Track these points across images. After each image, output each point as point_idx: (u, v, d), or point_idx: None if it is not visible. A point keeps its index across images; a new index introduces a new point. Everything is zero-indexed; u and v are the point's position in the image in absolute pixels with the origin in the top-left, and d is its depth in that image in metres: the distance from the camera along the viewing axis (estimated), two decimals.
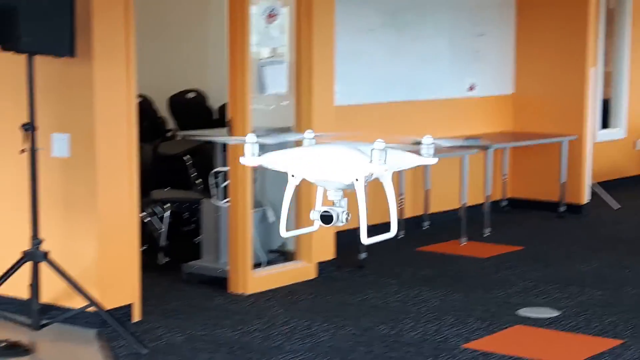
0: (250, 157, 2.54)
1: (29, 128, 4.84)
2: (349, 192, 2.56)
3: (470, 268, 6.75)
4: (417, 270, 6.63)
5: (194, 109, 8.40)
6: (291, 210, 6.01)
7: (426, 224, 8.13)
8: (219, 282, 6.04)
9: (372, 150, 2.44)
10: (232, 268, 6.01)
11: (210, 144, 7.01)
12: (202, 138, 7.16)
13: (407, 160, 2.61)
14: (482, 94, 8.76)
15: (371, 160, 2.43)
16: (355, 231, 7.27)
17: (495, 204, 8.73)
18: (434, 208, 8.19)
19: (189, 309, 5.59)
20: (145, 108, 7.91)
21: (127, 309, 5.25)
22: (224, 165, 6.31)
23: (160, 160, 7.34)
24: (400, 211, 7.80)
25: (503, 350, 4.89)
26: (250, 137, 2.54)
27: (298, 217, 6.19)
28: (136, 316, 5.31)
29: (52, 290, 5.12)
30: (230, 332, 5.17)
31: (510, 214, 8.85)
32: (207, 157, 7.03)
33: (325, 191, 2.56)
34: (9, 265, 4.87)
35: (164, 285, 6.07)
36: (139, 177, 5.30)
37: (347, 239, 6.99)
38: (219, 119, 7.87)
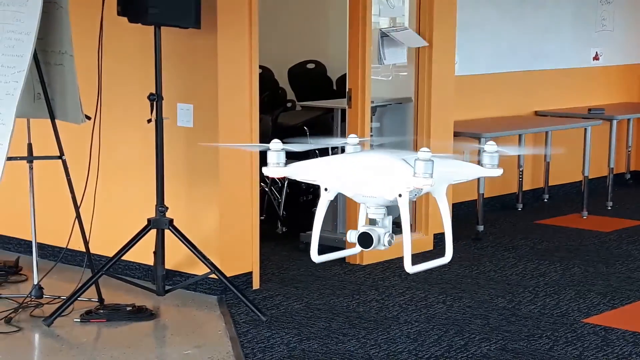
0: (273, 168, 2.16)
1: (155, 98, 4.98)
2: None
3: (591, 242, 6.62)
4: (535, 243, 6.55)
5: (313, 80, 8.45)
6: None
7: (546, 197, 7.99)
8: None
9: (415, 160, 2.02)
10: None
11: (330, 115, 7.05)
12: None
13: (465, 172, 2.21)
14: (607, 64, 8.52)
15: (415, 173, 2.03)
16: (474, 203, 7.22)
17: (618, 177, 8.51)
18: (555, 181, 8.04)
19: (306, 277, 5.68)
20: (266, 79, 8.01)
21: (246, 277, 5.37)
22: (343, 136, 6.35)
23: (280, 131, 7.42)
24: (519, 183, 7.69)
25: (625, 326, 4.80)
26: (275, 145, 2.16)
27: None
28: (255, 284, 5.42)
29: (176, 257, 5.28)
30: (346, 301, 5.23)
31: (634, 187, 8.62)
32: (326, 127, 7.08)
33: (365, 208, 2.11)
34: (135, 232, 5.03)
35: (282, 254, 6.18)
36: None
37: (464, 210, 6.95)
38: (338, 90, 7.90)
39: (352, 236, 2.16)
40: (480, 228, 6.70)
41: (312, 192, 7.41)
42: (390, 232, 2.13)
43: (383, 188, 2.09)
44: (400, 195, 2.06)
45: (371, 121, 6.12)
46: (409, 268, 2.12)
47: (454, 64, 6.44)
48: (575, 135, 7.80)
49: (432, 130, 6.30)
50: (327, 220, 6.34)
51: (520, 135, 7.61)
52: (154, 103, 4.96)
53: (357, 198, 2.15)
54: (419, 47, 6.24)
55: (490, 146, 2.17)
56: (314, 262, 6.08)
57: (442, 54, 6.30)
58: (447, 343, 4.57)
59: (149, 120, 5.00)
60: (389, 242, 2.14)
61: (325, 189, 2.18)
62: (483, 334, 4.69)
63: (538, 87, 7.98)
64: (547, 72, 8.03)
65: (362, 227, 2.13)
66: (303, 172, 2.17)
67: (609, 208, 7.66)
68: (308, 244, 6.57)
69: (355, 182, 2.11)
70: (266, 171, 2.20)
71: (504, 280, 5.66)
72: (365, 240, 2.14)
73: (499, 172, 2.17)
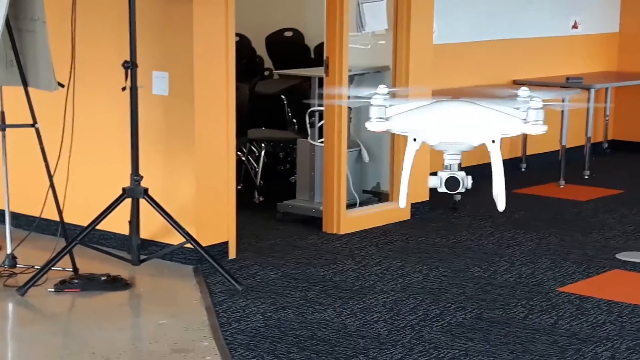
0: (376, 122, 2.28)
1: (130, 66, 4.92)
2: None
3: (567, 211, 6.64)
4: (512, 213, 6.56)
5: (291, 48, 8.39)
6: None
7: (523, 166, 8.00)
8: (313, 222, 6.09)
9: (528, 109, 2.19)
10: (326, 208, 6.04)
11: (307, 84, 7.01)
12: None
13: (513, 127, 2.28)
14: (586, 32, 8.51)
15: (526, 121, 2.18)
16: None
17: (596, 146, 8.53)
18: (532, 150, 8.05)
19: (283, 247, 5.66)
20: (243, 47, 7.94)
21: (223, 247, 5.35)
22: (321, 104, 6.31)
23: (257, 100, 7.38)
24: None
25: (600, 294, 4.82)
26: (376, 99, 2.26)
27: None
28: (232, 253, 5.41)
29: (151, 227, 5.25)
30: (323, 270, 5.23)
31: (611, 157, 8.64)
32: (303, 96, 7.04)
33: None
34: (109, 202, 4.99)
35: (259, 223, 6.16)
36: (235, 117, 5.35)
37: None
38: (316, 58, 7.85)
39: (434, 181, 2.30)
40: (458, 197, 6.70)
41: (289, 161, 7.39)
42: (468, 175, 2.31)
43: (477, 134, 2.24)
44: (493, 142, 2.23)
45: (349, 90, 6.08)
46: (503, 206, 2.35)
47: (432, 32, 6.40)
48: None
49: (410, 99, 6.25)
50: (304, 191, 6.32)
51: None
52: (129, 71, 4.90)
53: (440, 146, 2.29)
54: (398, 14, 6.19)
55: (535, 102, 2.23)
56: (289, 232, 6.10)
57: (420, 22, 6.25)
58: (422, 312, 4.58)
59: (124, 88, 4.95)
60: (471, 184, 2.32)
61: (414, 139, 2.29)
62: (459, 303, 4.70)
63: (516, 56, 7.96)
64: (526, 40, 8.01)
65: (443, 172, 2.30)
66: (400, 125, 2.30)
67: (586, 177, 7.68)
68: (285, 214, 6.60)
69: (447, 129, 2.25)
70: (369, 126, 2.31)
71: (481, 250, 5.67)
72: (453, 183, 2.30)
73: (544, 128, 2.26)
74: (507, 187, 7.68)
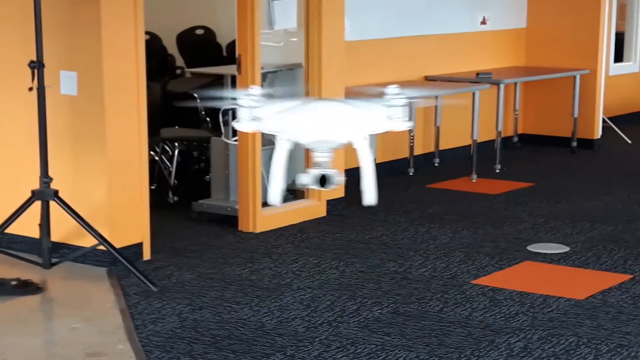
0: (246, 122, 2.33)
1: (36, 66, 4.81)
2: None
3: (480, 205, 6.74)
4: (426, 207, 6.63)
5: (202, 46, 8.34)
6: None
7: (436, 161, 8.10)
8: (229, 221, 6.06)
9: (392, 107, 2.27)
10: (241, 206, 6.01)
11: (220, 82, 6.97)
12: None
13: (378, 125, 2.37)
14: (494, 28, 8.65)
15: (390, 118, 2.27)
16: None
17: (506, 140, 8.69)
18: (445, 145, 8.16)
19: (198, 247, 5.62)
20: (154, 46, 7.86)
21: (137, 248, 5.28)
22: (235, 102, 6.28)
23: (170, 98, 7.30)
24: (410, 148, 7.77)
25: (512, 286, 4.91)
26: (246, 100, 2.32)
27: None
28: (146, 254, 5.33)
29: (62, 229, 5.15)
30: (239, 269, 5.20)
31: (521, 150, 8.81)
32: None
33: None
34: (18, 205, 4.88)
35: (173, 223, 6.09)
36: (147, 116, 5.28)
37: (356, 177, 6.98)
38: (228, 56, 7.81)
39: (304, 179, 2.35)
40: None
41: (203, 160, 7.33)
42: (338, 171, 2.37)
43: (346, 132, 2.30)
44: (364, 139, 2.30)
45: (262, 87, 6.05)
46: (373, 200, 2.40)
47: (344, 29, 6.42)
48: (464, 99, 7.90)
49: (324, 96, 6.27)
50: (219, 189, 6.28)
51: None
52: (35, 71, 4.79)
53: (312, 144, 2.34)
54: (309, 11, 6.20)
55: (398, 99, 2.32)
56: (205, 232, 6.04)
57: (331, 19, 6.27)
58: (339, 308, 4.59)
59: (30, 89, 4.84)
60: (340, 182, 2.38)
61: (286, 139, 2.34)
62: (375, 298, 4.73)
63: (427, 52, 8.05)
64: (436, 36, 8.11)
65: (314, 170, 2.34)
66: (271, 124, 2.34)
67: (498, 171, 7.81)
68: (200, 213, 6.53)
69: (316, 128, 2.31)
70: (238, 126, 2.36)
71: (396, 245, 5.71)
72: (324, 180, 2.35)
73: (408, 124, 2.34)
74: (421, 182, 7.77)
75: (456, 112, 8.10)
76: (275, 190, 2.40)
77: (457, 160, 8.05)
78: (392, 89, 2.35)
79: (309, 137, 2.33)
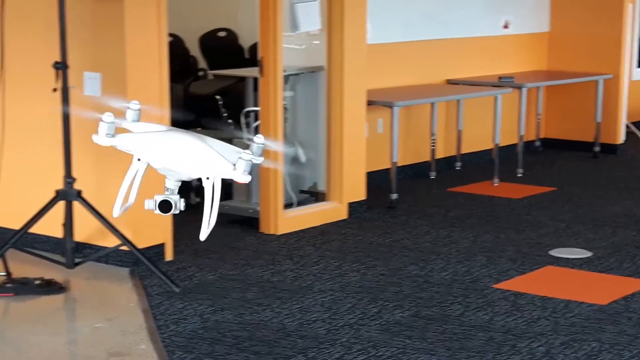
0: (103, 137, 2.49)
1: (61, 67, 4.84)
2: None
3: (501, 209, 6.73)
4: (448, 211, 6.62)
5: (225, 48, 8.35)
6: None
7: (458, 165, 8.08)
8: (250, 222, 6.07)
9: (239, 159, 2.41)
10: (263, 208, 6.03)
11: (242, 84, 6.98)
12: None
13: (224, 171, 2.48)
14: (516, 32, 8.63)
15: (235, 169, 2.41)
16: (388, 172, 7.23)
17: (528, 144, 8.66)
18: (466, 149, 8.14)
19: (220, 248, 5.63)
20: (176, 47, 7.88)
21: (159, 249, 5.30)
22: (255, 105, 6.30)
23: (192, 100, 7.33)
24: (432, 152, 7.76)
25: (534, 291, 4.89)
26: (108, 117, 2.47)
27: None
28: (168, 255, 5.36)
29: (86, 229, 5.18)
30: (261, 271, 5.21)
31: (543, 155, 8.78)
32: (238, 96, 7.01)
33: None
34: (42, 204, 4.91)
35: (195, 225, 6.08)
36: (170, 117, 5.30)
37: (378, 180, 6.99)
38: (251, 58, 7.83)
39: (150, 204, 2.50)
40: (394, 196, 6.74)
41: None
42: (182, 199, 2.52)
43: (194, 168, 2.44)
44: (208, 179, 2.43)
45: (284, 90, 6.07)
46: (203, 237, 2.52)
47: (366, 32, 6.43)
48: (486, 103, 7.89)
49: (345, 99, 6.29)
50: (241, 191, 6.29)
51: (432, 104, 7.67)
52: (60, 72, 4.82)
53: (163, 171, 2.50)
54: (331, 14, 6.21)
55: (245, 155, 2.44)
56: (226, 233, 6.05)
57: (354, 22, 6.28)
58: (360, 311, 4.59)
59: (55, 90, 4.87)
60: (184, 207, 2.51)
61: (139, 159, 2.49)
62: (396, 301, 4.73)
63: (450, 56, 8.03)
64: (459, 40, 8.09)
65: (159, 195, 2.49)
66: (126, 143, 2.50)
67: (520, 175, 7.78)
68: (222, 215, 6.51)
69: (169, 157, 2.46)
70: (95, 139, 2.50)
71: (417, 248, 5.71)
72: (166, 206, 2.49)
73: (247, 178, 2.44)
74: (443, 185, 7.75)
75: (478, 116, 8.08)
76: (117, 205, 2.55)
77: (478, 164, 8.04)
78: (259, 139, 2.48)
79: (159, 164, 2.47)
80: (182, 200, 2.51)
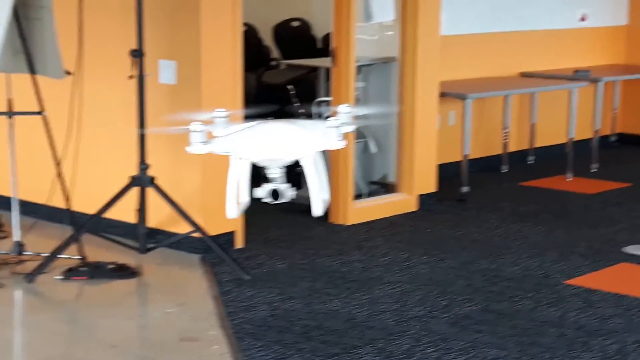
0: (198, 145, 2.58)
1: (137, 54, 4.91)
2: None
3: (575, 204, 6.62)
4: (519, 205, 6.54)
5: (298, 38, 8.37)
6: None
7: (531, 159, 7.98)
8: None
9: (327, 127, 2.48)
10: (333, 198, 6.03)
11: (314, 74, 6.99)
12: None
13: (318, 144, 2.56)
14: (594, 25, 8.48)
15: (328, 138, 2.47)
16: (459, 165, 7.20)
17: (603, 139, 8.49)
18: (540, 142, 8.03)
19: (289, 237, 5.66)
20: (250, 37, 7.92)
21: (229, 236, 5.35)
22: (328, 95, 6.30)
23: (264, 90, 7.36)
24: (505, 145, 7.67)
25: (607, 288, 4.81)
26: (197, 126, 2.54)
27: None
28: (239, 243, 5.40)
29: (158, 216, 5.25)
30: (330, 261, 5.22)
31: (619, 150, 8.62)
32: (310, 86, 7.02)
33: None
34: (117, 190, 4.99)
35: (265, 213, 6.14)
36: (243, 106, 5.34)
37: (449, 171, 6.94)
38: (323, 48, 7.83)
39: (258, 192, 2.62)
40: (465, 189, 6.69)
41: None
42: (290, 186, 2.61)
43: (291, 151, 2.54)
44: (307, 157, 2.54)
45: (356, 80, 6.07)
46: (319, 212, 2.61)
47: (440, 23, 6.38)
48: (560, 96, 7.78)
49: (417, 90, 6.25)
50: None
51: (505, 97, 7.58)
52: (136, 59, 4.89)
53: (264, 162, 2.61)
54: (405, 4, 6.17)
55: (332, 121, 2.54)
56: (296, 222, 6.08)
57: (427, 13, 6.23)
58: (430, 303, 4.57)
59: (131, 77, 4.94)
60: (292, 195, 2.63)
61: (240, 158, 2.60)
62: (466, 295, 4.69)
63: (524, 48, 7.93)
64: (534, 32, 7.98)
65: (268, 184, 2.60)
66: (222, 146, 2.60)
67: (594, 170, 7.65)
68: (292, 204, 6.53)
69: (267, 148, 2.56)
70: (190, 149, 2.62)
71: (488, 242, 5.65)
72: (276, 194, 2.63)
73: (342, 144, 2.54)
74: (515, 179, 7.66)
75: (552, 109, 7.97)
76: (231, 205, 2.66)
77: (552, 158, 7.92)
78: (344, 108, 2.57)
79: (257, 157, 2.58)
80: (292, 188, 2.61)
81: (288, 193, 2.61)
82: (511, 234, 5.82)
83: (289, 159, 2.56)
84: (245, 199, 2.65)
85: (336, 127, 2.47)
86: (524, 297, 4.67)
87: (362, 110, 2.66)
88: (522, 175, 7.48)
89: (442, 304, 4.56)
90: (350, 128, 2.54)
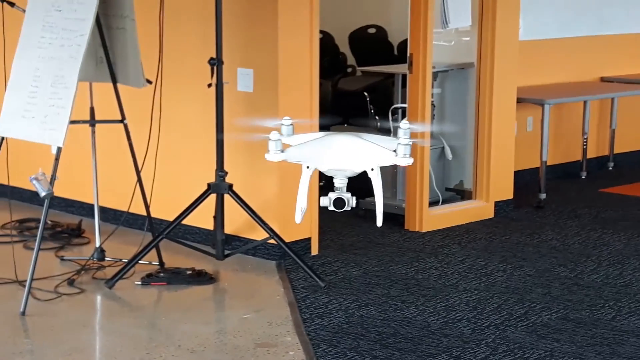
0: (274, 154, 2.69)
1: (216, 62, 4.97)
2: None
3: None
4: (599, 212, 6.43)
5: (374, 45, 8.37)
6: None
7: (611, 165, 7.85)
8: (396, 219, 6.07)
9: (398, 144, 2.58)
10: (408, 205, 6.02)
11: (390, 80, 6.99)
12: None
13: (386, 159, 2.66)
14: None
15: (397, 154, 2.58)
16: (536, 171, 7.10)
17: None
18: (620, 148, 7.89)
19: (365, 244, 5.66)
20: (326, 44, 7.95)
21: (305, 243, 5.37)
22: (403, 101, 6.29)
23: (340, 96, 7.38)
24: (584, 151, 7.55)
25: None
26: (274, 135, 2.68)
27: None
28: (314, 250, 5.42)
29: (235, 222, 5.30)
30: (405, 268, 5.21)
31: None
32: (386, 93, 7.02)
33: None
34: (195, 197, 5.06)
35: (341, 220, 6.16)
36: (319, 113, 5.36)
37: (527, 178, 6.86)
38: (399, 55, 7.82)
39: (325, 201, 2.70)
40: (543, 196, 6.60)
41: None
42: (352, 196, 2.72)
43: (358, 163, 2.64)
44: (372, 170, 2.64)
45: (432, 87, 6.05)
46: (380, 223, 2.74)
47: (518, 28, 6.32)
48: None
49: (495, 96, 6.20)
50: (387, 188, 6.30)
51: (585, 102, 7.47)
52: (215, 67, 4.96)
53: (330, 172, 2.69)
54: (483, 9, 6.13)
55: (404, 138, 2.63)
56: (371, 229, 6.08)
57: (505, 18, 6.18)
58: (507, 311, 4.52)
59: (210, 85, 5.01)
60: (355, 203, 2.72)
61: (307, 167, 2.68)
62: (544, 303, 4.64)
63: (604, 53, 7.80)
64: (614, 37, 7.84)
65: (332, 193, 2.70)
66: (294, 155, 2.71)
67: None
68: (367, 211, 6.57)
69: (334, 159, 2.66)
70: (268, 157, 2.72)
71: (566, 249, 5.57)
72: (340, 202, 2.70)
73: (409, 161, 2.63)
74: (594, 186, 7.53)
75: (633, 114, 7.82)
76: (298, 212, 2.76)
77: (632, 165, 7.77)
78: (404, 124, 2.63)
79: (326, 166, 2.67)
80: (354, 197, 2.70)
81: (352, 202, 2.71)
82: (591, 242, 5.73)
83: (354, 171, 2.67)
84: (305, 205, 2.75)
85: (405, 145, 2.57)
86: (604, 306, 4.59)
87: (420, 128, 2.80)
88: (602, 181, 7.36)
89: (519, 312, 4.51)
90: (424, 143, 2.68)
